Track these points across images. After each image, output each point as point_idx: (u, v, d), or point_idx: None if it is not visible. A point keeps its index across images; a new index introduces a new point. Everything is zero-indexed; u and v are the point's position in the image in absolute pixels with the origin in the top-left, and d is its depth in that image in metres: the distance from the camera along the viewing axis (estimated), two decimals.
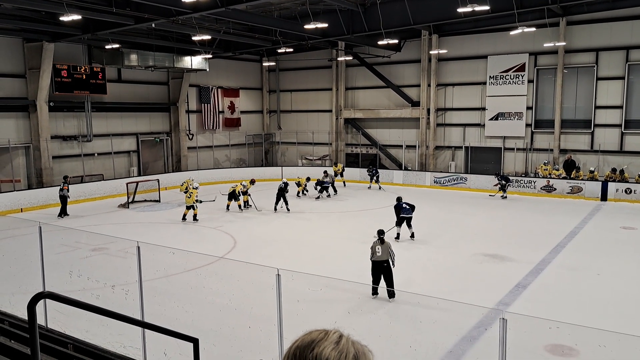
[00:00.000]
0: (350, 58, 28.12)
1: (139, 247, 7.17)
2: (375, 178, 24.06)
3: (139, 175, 24.41)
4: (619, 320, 8.96)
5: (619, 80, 22.40)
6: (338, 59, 28.47)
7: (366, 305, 9.61)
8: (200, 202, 17.54)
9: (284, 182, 19.22)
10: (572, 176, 22.10)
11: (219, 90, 29.12)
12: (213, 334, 8.41)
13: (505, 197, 21.36)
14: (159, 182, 21.55)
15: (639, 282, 11.02)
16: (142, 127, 25.97)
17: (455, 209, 19.34)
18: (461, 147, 26.16)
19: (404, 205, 14.49)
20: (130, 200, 20.43)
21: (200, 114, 28.44)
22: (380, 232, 10.36)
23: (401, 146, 26.85)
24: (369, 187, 23.98)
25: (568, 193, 21.38)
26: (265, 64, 30.96)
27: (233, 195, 18.99)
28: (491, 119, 25.17)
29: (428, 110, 26.62)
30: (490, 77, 24.97)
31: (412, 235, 14.52)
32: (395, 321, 8.98)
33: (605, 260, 12.49)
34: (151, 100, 26.24)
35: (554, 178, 22.10)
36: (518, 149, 24.65)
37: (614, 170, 21.57)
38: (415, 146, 26.70)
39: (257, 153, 31.30)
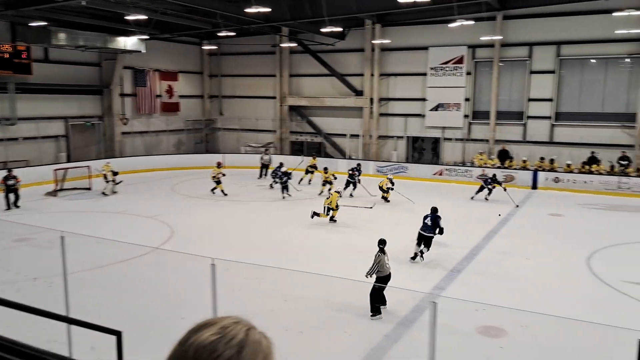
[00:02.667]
0: (295, 45, 27.83)
1: (62, 238, 6.74)
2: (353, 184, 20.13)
3: (68, 161, 23.08)
4: (546, 301, 9.37)
5: (551, 74, 23.40)
6: (282, 45, 28.10)
7: (303, 293, 9.52)
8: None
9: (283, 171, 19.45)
10: (505, 165, 22.97)
11: (156, 73, 28.01)
12: (144, 326, 8.07)
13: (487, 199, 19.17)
14: (89, 168, 20.48)
15: (563, 265, 11.55)
16: (72, 111, 24.58)
17: (397, 197, 19.60)
18: (403, 137, 26.60)
19: (426, 220, 11.72)
20: (58, 187, 19.33)
21: (136, 97, 27.28)
22: (382, 242, 8.97)
23: (345, 135, 26.93)
24: (351, 195, 19.44)
25: (502, 181, 22.14)
26: (206, 47, 30.09)
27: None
28: (431, 110, 25.70)
29: (371, 99, 26.83)
30: (431, 68, 25.44)
31: (419, 255, 11.60)
32: (331, 308, 8.94)
33: (534, 245, 13.05)
34: (82, 82, 24.85)
35: (489, 167, 22.88)
36: (456, 139, 25.35)
37: (542, 159, 22.61)
38: (359, 135, 26.85)
39: (197, 139, 30.48)
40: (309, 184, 22.05)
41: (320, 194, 19.21)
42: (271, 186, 20.83)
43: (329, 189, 18.43)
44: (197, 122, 30.43)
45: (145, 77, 27.29)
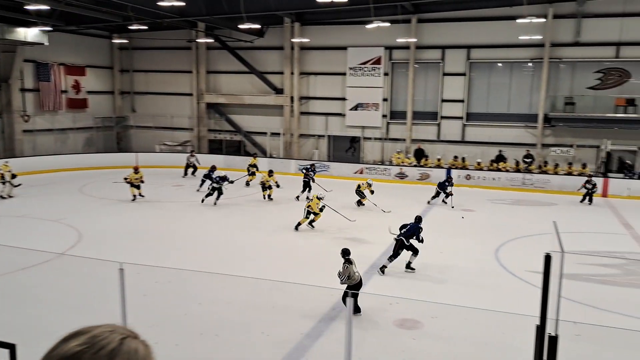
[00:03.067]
0: (212, 40, 27.09)
1: None
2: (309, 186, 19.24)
3: None
4: (458, 292, 9.69)
5: (462, 77, 24.53)
6: (198, 40, 27.28)
7: (220, 296, 9.17)
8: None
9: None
10: (421, 164, 23.78)
11: (62, 67, 26.12)
12: (43, 337, 7.34)
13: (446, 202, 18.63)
14: None
15: (474, 257, 12.04)
16: None
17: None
18: (324, 136, 26.77)
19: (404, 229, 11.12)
20: None
21: (39, 93, 25.29)
22: (346, 252, 8.71)
23: (266, 133, 26.62)
24: (298, 198, 18.73)
25: (418, 179, 22.96)
26: (116, 41, 28.52)
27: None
28: (351, 109, 26.07)
29: (292, 98, 26.74)
30: (350, 68, 25.79)
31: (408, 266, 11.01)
32: (249, 309, 8.68)
33: (447, 240, 13.53)
34: None
35: (406, 166, 23.57)
36: (375, 139, 25.88)
37: (455, 157, 23.66)
38: (280, 134, 26.65)
39: (108, 138, 28.80)
40: (247, 185, 21.16)
41: (268, 198, 18.32)
42: (198, 190, 19.47)
43: (269, 194, 17.92)
44: (108, 119, 28.76)
45: (49, 71, 25.37)
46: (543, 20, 21.66)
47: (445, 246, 12.86)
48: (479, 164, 23.15)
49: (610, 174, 21.76)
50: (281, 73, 26.87)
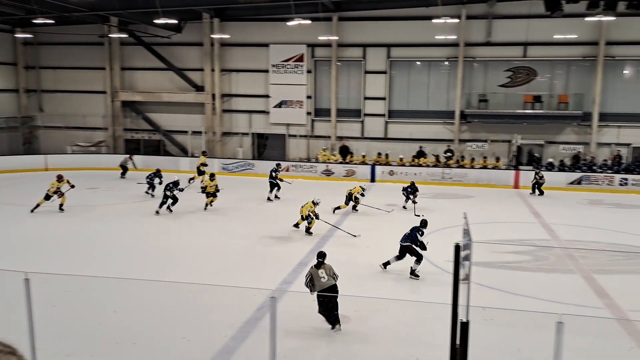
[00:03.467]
0: (126, 36, 25.87)
1: None
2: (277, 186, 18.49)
3: None
4: (384, 285, 9.83)
5: (383, 75, 25.09)
6: (111, 35, 25.93)
7: (137, 303, 8.68)
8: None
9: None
10: (347, 161, 24.06)
11: None
12: None
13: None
14: None
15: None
16: None
17: (245, 195, 19.32)
18: (248, 134, 26.38)
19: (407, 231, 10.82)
20: None
21: None
22: (320, 255, 8.20)
23: (187, 132, 25.79)
24: (277, 197, 18.39)
25: (344, 176, 23.21)
26: (20, 35, 26.46)
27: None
28: (275, 107, 25.88)
29: (213, 95, 26.11)
30: (272, 65, 25.58)
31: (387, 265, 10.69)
32: (170, 315, 8.28)
33: (373, 234, 13.74)
34: None
35: (332, 163, 23.75)
36: (300, 136, 25.87)
37: (379, 154, 24.17)
38: (201, 132, 25.92)
39: (13, 139, 26.65)
40: (189, 182, 20.14)
41: (208, 206, 16.61)
42: (148, 192, 18.29)
43: (211, 201, 16.55)
44: (12, 119, 26.62)
45: None
46: (457, 20, 22.61)
47: (372, 240, 13.03)
48: (401, 159, 23.78)
49: (520, 167, 23.12)
50: (201, 70, 26.17)
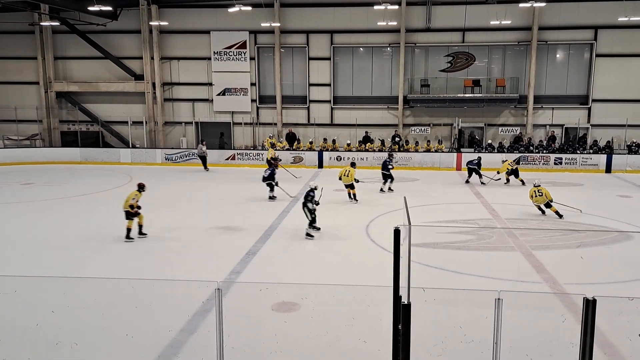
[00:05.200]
0: (58, 24, 24.54)
1: None
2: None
3: None
4: (335, 270, 9.90)
5: (327, 61, 25.09)
6: (42, 23, 24.53)
7: (75, 301, 8.32)
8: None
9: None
10: (293, 147, 23.98)
11: None
12: None
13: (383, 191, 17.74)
14: None
15: (347, 235, 12.38)
16: None
17: (188, 186, 18.92)
18: (191, 123, 25.78)
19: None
20: None
21: None
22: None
23: (127, 122, 24.88)
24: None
25: (292, 163, 23.14)
26: None
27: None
28: (219, 94, 25.40)
29: (153, 84, 25.30)
30: (214, 52, 25.05)
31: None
32: (111, 312, 8.00)
33: (321, 220, 13.72)
34: None
35: (278, 150, 23.59)
36: (246, 124, 25.54)
37: (326, 140, 24.23)
38: (142, 122, 25.08)
39: None
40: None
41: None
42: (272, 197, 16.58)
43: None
44: None
45: None
46: (397, 7, 22.89)
47: (320, 226, 13.06)
48: (348, 145, 23.95)
49: (462, 149, 23.82)
50: (140, 58, 25.27)
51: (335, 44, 24.96)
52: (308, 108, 25.59)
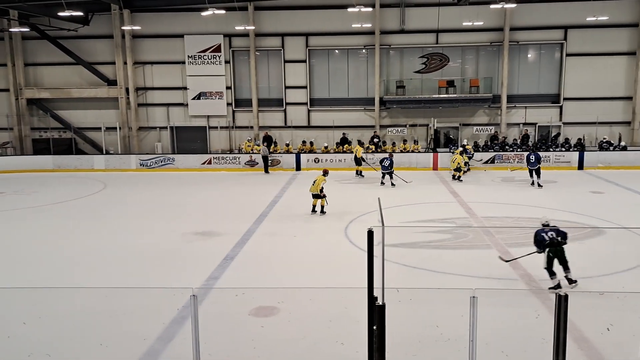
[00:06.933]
0: (28, 29, 24.04)
1: None
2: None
3: None
4: (314, 274, 9.86)
5: (302, 63, 25.08)
6: (11, 29, 24.01)
7: (47, 312, 8.14)
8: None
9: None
10: (270, 150, 23.87)
11: None
12: None
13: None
14: None
15: (326, 238, 12.37)
16: None
17: (164, 191, 18.69)
18: (166, 127, 25.50)
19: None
20: None
21: None
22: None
23: (100, 128, 24.46)
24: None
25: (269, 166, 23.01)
26: None
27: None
28: (194, 99, 25.20)
29: (127, 89, 24.97)
30: (188, 56, 24.86)
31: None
32: (84, 321, 7.83)
33: (300, 223, 13.74)
34: None
35: (256, 153, 23.48)
36: (222, 127, 25.36)
37: (303, 142, 24.20)
38: (116, 128, 24.70)
39: None
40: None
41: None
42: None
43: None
44: None
45: None
46: (371, 9, 23.02)
47: (298, 229, 13.02)
48: (325, 147, 23.95)
49: (438, 149, 24.04)
50: (113, 63, 24.93)
51: (311, 46, 24.98)
52: (285, 111, 25.54)
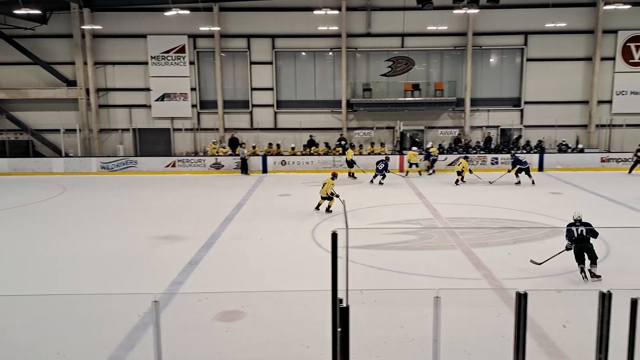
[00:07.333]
0: None
1: None
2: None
3: None
4: (281, 277, 9.78)
5: (269, 65, 24.96)
6: None
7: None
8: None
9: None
10: (237, 153, 23.64)
11: None
12: None
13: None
14: None
15: (293, 240, 12.32)
16: None
17: (127, 194, 18.25)
18: (128, 129, 24.92)
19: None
20: None
21: None
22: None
23: (59, 130, 23.70)
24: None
25: (235, 168, 22.80)
26: None
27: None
28: (157, 100, 24.73)
29: (87, 90, 24.30)
30: (152, 57, 24.39)
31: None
32: (41, 329, 7.54)
33: (266, 226, 13.62)
34: None
35: (221, 155, 23.21)
36: (186, 129, 24.96)
37: (270, 144, 24.06)
38: (76, 130, 23.99)
39: None
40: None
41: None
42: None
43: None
44: None
45: None
46: (337, 12, 23.12)
47: (265, 232, 12.90)
48: (293, 149, 23.87)
49: (404, 151, 24.28)
50: (72, 63, 24.24)
51: (277, 48, 24.88)
52: (251, 112, 25.35)
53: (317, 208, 15.05)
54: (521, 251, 11.05)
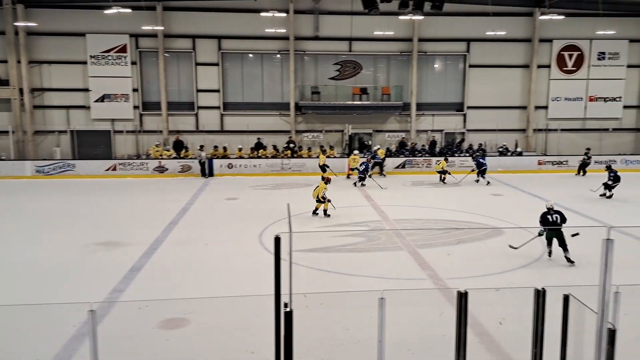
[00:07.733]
0: None
1: None
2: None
3: None
4: (227, 282, 9.57)
5: (215, 67, 24.55)
6: None
7: None
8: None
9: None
10: (181, 155, 23.08)
11: None
12: None
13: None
14: None
15: (239, 245, 12.10)
16: None
17: (64, 199, 17.41)
18: (66, 131, 23.82)
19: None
20: None
21: None
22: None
23: None
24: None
25: (179, 172, 22.25)
26: None
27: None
28: (97, 101, 23.79)
29: (21, 90, 23.06)
30: (91, 56, 23.46)
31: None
32: None
33: (212, 230, 13.34)
34: None
35: (165, 159, 22.58)
36: (128, 132, 24.14)
37: (216, 147, 23.62)
38: (8, 132, 22.68)
39: None
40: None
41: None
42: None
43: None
44: None
45: None
46: (285, 15, 23.05)
47: (211, 237, 12.62)
48: (240, 150, 23.54)
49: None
50: (5, 62, 23.01)
51: (224, 49, 24.52)
52: (196, 114, 24.83)
53: (315, 213, 14.78)
54: (464, 251, 11.34)
